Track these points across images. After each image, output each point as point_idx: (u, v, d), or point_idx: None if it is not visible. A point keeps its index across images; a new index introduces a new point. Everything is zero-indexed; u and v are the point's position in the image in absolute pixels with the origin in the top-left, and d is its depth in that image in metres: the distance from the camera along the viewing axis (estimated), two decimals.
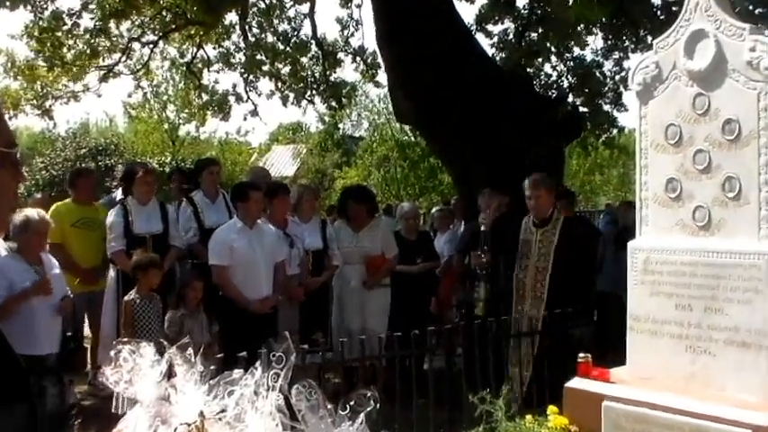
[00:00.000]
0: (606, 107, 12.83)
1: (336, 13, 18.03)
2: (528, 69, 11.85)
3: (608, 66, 12.86)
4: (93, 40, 11.69)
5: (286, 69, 13.53)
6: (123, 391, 1.77)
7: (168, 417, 1.72)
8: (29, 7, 10.15)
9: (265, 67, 13.36)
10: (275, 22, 13.15)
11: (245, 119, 15.40)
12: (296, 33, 13.17)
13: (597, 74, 12.73)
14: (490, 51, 11.42)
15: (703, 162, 3.53)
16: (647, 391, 3.55)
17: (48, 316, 4.91)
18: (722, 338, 3.42)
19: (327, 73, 13.56)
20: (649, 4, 10.06)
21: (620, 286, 4.03)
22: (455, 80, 8.45)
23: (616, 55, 12.75)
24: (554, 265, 5.57)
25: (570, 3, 7.73)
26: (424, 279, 7.08)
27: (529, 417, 3.82)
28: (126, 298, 5.43)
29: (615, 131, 13.90)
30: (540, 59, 12.35)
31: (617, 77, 12.70)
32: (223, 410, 1.69)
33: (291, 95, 13.90)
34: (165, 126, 29.10)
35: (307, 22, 12.99)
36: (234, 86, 14.02)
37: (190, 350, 1.79)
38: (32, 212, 5.02)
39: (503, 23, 11.92)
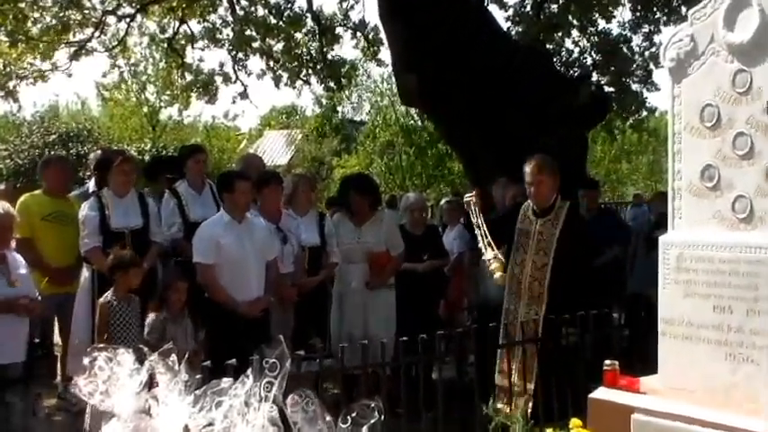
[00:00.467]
0: (634, 86, 12.83)
1: None
2: (547, 45, 11.82)
3: (636, 40, 12.87)
4: (62, 13, 11.66)
5: (279, 46, 13.54)
6: (98, 404, 1.77)
7: None
8: None
9: (256, 44, 13.36)
10: None
11: (233, 101, 15.39)
12: (290, 6, 13.14)
13: (624, 49, 12.69)
14: (505, 25, 11.42)
15: (744, 147, 3.50)
16: (682, 403, 3.54)
17: (11, 320, 4.86)
18: (767, 345, 3.40)
19: (324, 50, 13.56)
20: None
21: (653, 287, 4.01)
22: (464, 58, 8.43)
23: (645, 28, 12.73)
24: (555, 261, 5.36)
25: None
26: (431, 278, 7.07)
27: (549, 431, 3.82)
28: (101, 300, 5.41)
29: (644, 114, 13.81)
30: (560, 34, 12.34)
31: (647, 53, 12.70)
32: (210, 424, 1.70)
33: (285, 75, 13.92)
34: (145, 109, 29.20)
35: None
36: (221, 65, 14.07)
37: (173, 357, 1.79)
38: None
39: None
